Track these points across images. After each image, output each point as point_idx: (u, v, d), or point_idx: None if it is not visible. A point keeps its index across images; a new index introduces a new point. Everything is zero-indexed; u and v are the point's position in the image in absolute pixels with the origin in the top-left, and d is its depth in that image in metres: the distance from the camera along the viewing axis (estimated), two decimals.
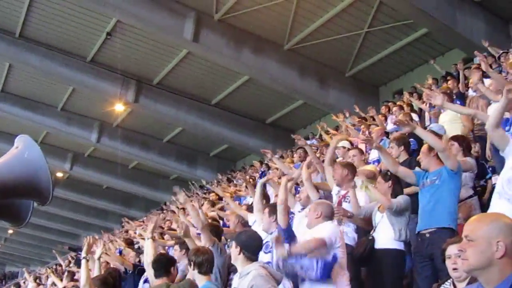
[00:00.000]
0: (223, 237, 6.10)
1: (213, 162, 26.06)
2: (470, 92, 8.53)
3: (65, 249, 15.12)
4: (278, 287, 3.86)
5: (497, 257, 1.99)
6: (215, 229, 5.97)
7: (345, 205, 5.47)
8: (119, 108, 21.15)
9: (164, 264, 4.94)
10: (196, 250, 4.46)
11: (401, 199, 4.95)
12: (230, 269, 5.54)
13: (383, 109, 11.75)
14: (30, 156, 2.01)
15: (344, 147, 7.81)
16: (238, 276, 3.88)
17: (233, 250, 3.98)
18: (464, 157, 5.35)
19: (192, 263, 4.28)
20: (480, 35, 13.38)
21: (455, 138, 5.77)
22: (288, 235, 4.81)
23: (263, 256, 4.44)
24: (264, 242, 4.70)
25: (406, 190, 5.31)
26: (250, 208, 7.16)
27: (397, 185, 5.18)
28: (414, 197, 5.04)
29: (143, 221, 15.30)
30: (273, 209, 5.07)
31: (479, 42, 11.31)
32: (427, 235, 4.46)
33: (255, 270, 3.75)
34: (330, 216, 4.63)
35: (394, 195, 5.08)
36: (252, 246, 4.01)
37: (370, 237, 4.99)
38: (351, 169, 5.72)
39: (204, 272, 4.29)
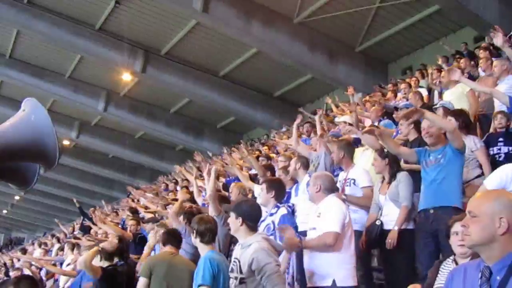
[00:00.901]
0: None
1: (220, 134, 26.07)
2: (481, 73, 8.43)
3: (77, 205, 15.22)
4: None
5: (499, 233, 2.01)
6: (224, 200, 6.00)
7: (348, 190, 5.44)
8: (127, 77, 21.15)
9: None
10: (200, 218, 4.43)
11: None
12: (232, 240, 5.57)
13: (390, 87, 11.67)
14: (36, 119, 2.00)
15: (345, 122, 7.77)
16: (240, 246, 3.83)
17: (234, 221, 3.92)
18: (462, 133, 5.32)
19: (194, 232, 4.29)
20: (492, 13, 13.22)
21: (452, 113, 5.72)
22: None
23: None
24: (265, 224, 4.70)
25: (404, 166, 5.28)
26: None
27: (394, 163, 5.14)
28: (415, 175, 5.03)
29: (148, 189, 15.36)
30: (271, 185, 4.95)
31: (491, 20, 11.19)
32: (431, 211, 4.44)
33: (257, 242, 3.72)
34: (330, 188, 4.49)
35: (392, 172, 5.06)
36: (253, 216, 3.97)
37: (378, 222, 4.97)
38: (347, 149, 5.67)
39: (207, 241, 4.29)
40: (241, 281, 3.69)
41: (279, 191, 4.96)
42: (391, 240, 4.69)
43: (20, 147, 1.96)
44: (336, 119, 9.29)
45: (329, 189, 4.45)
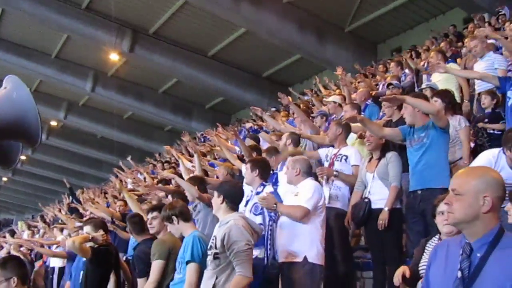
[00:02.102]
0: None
1: (208, 114, 25.99)
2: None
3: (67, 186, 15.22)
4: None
5: (483, 212, 2.03)
6: (201, 183, 5.93)
7: (337, 164, 5.48)
8: (114, 57, 20.97)
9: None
10: (170, 203, 4.54)
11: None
12: None
13: (380, 68, 11.65)
14: (18, 96, 1.96)
15: (334, 102, 7.77)
16: (218, 225, 3.94)
17: (215, 200, 4.04)
18: (449, 114, 5.35)
19: (174, 216, 4.32)
20: None
21: (437, 94, 5.74)
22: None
23: (255, 218, 4.44)
24: (252, 203, 4.73)
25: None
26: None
27: (388, 141, 5.15)
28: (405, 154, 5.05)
29: (135, 170, 15.29)
30: (255, 164, 4.99)
31: (480, 1, 11.15)
32: (419, 192, 4.48)
33: (233, 220, 3.82)
34: (308, 172, 4.69)
35: (383, 151, 5.07)
36: (234, 196, 4.08)
37: (366, 200, 5.00)
38: (346, 128, 5.71)
39: (187, 219, 4.38)
40: (215, 256, 3.77)
41: (263, 170, 4.97)
42: (382, 221, 4.73)
43: (1, 125, 1.93)
44: (325, 99, 9.28)
45: (307, 173, 4.67)
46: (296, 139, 6.11)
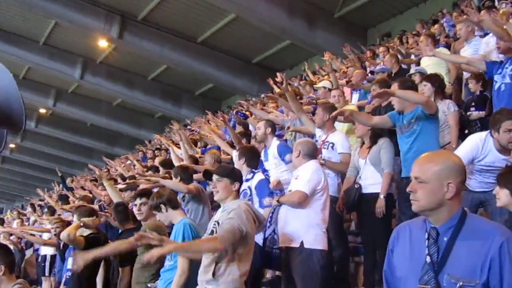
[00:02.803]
0: None
1: (198, 101, 25.90)
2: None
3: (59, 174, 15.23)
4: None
5: (447, 198, 2.04)
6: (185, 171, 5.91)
7: (324, 152, 5.46)
8: (103, 44, 20.80)
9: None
10: (156, 192, 4.50)
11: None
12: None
13: (368, 53, 11.63)
14: (1, 82, 1.93)
15: (324, 88, 7.76)
16: (221, 209, 3.82)
17: (237, 162, 4.13)
18: (438, 98, 5.38)
19: (162, 205, 4.29)
20: None
21: (427, 78, 5.77)
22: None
23: None
24: (241, 190, 4.72)
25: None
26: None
27: (376, 128, 5.14)
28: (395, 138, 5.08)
29: (126, 158, 15.27)
30: (243, 152, 5.05)
31: None
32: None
33: (239, 207, 3.71)
34: (310, 154, 4.63)
35: (373, 137, 5.08)
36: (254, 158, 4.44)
37: (357, 185, 5.03)
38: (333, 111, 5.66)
39: (176, 206, 4.35)
40: None
41: (250, 157, 5.03)
42: (380, 208, 4.78)
43: None
44: (315, 85, 9.27)
45: (309, 155, 4.61)
46: (273, 126, 6.10)
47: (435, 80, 5.67)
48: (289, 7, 16.78)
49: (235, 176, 3.92)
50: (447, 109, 5.52)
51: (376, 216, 4.82)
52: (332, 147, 5.47)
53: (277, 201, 4.41)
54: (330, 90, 7.50)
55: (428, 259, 2.04)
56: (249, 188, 4.82)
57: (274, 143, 5.75)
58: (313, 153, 4.67)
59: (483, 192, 4.24)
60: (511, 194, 3.35)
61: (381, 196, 4.82)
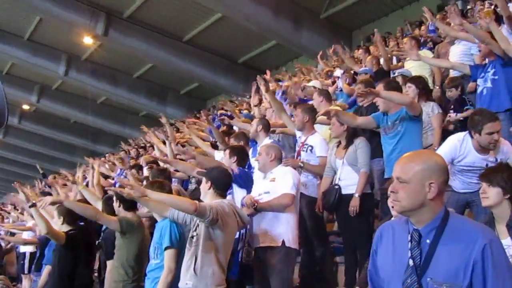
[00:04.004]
0: None
1: (184, 100, 25.85)
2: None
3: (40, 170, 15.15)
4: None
5: (429, 198, 2.01)
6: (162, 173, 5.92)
7: (303, 154, 5.49)
8: (88, 41, 20.64)
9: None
10: (159, 183, 4.52)
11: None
12: None
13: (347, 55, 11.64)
14: None
15: (314, 87, 7.78)
16: None
17: (204, 186, 4.08)
18: (422, 100, 5.44)
19: None
20: None
21: (411, 80, 5.83)
22: (243, 180, 4.94)
23: None
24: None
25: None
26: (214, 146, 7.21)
27: (352, 128, 5.17)
28: (371, 140, 5.14)
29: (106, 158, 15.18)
30: (234, 151, 5.13)
31: None
32: None
33: (223, 201, 3.90)
34: (280, 158, 4.80)
35: (349, 137, 5.12)
36: (222, 182, 4.12)
37: (336, 186, 5.05)
38: (312, 114, 5.65)
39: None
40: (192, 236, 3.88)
41: (241, 156, 5.14)
42: (353, 207, 4.80)
43: None
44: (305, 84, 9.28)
45: (280, 159, 4.77)
46: (266, 124, 6.11)
47: (419, 82, 5.74)
48: (275, 7, 16.82)
49: (208, 175, 4.16)
50: (431, 111, 5.59)
51: (356, 217, 4.84)
52: (311, 150, 5.49)
53: (255, 209, 4.36)
54: (319, 89, 7.51)
55: (411, 262, 2.02)
56: None
57: (266, 141, 5.77)
58: (281, 157, 4.82)
59: (468, 193, 4.27)
60: (503, 192, 3.36)
61: (356, 195, 4.84)
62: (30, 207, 5.47)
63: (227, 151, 5.24)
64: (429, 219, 2.03)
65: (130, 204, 4.75)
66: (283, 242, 4.34)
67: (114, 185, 8.31)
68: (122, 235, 4.67)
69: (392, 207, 3.31)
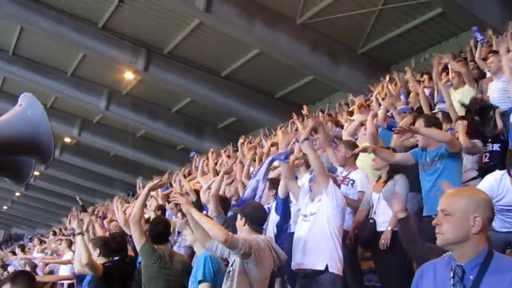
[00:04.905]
0: None
1: (221, 134, 26.02)
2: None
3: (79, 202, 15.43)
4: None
5: (473, 232, 2.01)
6: (224, 201, 6.01)
7: (343, 187, 5.41)
8: (129, 76, 21.16)
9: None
10: None
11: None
12: None
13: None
14: (32, 114, 2.01)
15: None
16: None
17: (239, 222, 4.08)
18: (470, 138, 5.32)
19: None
20: (495, 17, 13.21)
21: (462, 118, 5.74)
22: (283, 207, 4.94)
23: None
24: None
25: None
26: None
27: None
28: (415, 174, 5.05)
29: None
30: (273, 183, 5.18)
31: (493, 24, 11.17)
32: (434, 216, 4.40)
33: (259, 237, 3.89)
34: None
35: (391, 172, 5.06)
36: (256, 218, 4.08)
37: (371, 220, 4.98)
38: (355, 148, 5.63)
39: None
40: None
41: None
42: (384, 240, 4.70)
43: (15, 141, 1.98)
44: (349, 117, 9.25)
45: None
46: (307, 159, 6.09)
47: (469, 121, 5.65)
48: (312, 42, 16.95)
49: (243, 212, 4.15)
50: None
51: (392, 254, 4.73)
52: (352, 184, 5.46)
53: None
54: (362, 124, 7.47)
55: None
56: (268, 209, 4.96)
57: (306, 176, 5.73)
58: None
59: (509, 232, 4.17)
60: None
61: (388, 228, 4.74)
62: (78, 234, 5.54)
63: (267, 183, 5.31)
64: (472, 254, 2.02)
65: (162, 237, 4.80)
66: (327, 266, 4.18)
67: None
68: (156, 266, 4.68)
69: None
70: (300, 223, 4.51)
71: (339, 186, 5.39)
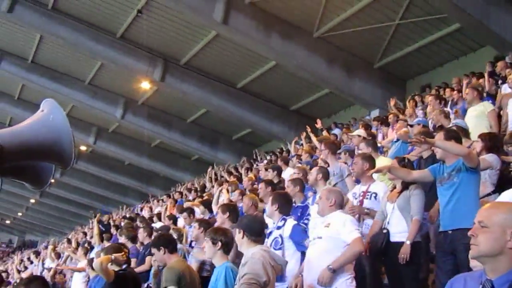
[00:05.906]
0: None
1: (236, 145, 26.08)
2: (508, 90, 8.28)
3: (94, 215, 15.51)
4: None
5: (508, 247, 1.96)
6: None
7: (367, 202, 5.36)
8: (145, 86, 21.34)
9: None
10: (223, 230, 4.47)
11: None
12: None
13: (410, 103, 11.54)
14: (54, 119, 2.04)
15: (359, 136, 7.75)
16: (242, 263, 3.82)
17: (237, 236, 4.03)
18: (488, 153, 5.29)
19: (219, 242, 4.27)
20: None
21: (481, 136, 5.70)
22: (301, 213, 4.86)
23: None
24: (273, 238, 4.76)
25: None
26: None
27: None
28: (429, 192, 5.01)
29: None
30: (276, 198, 5.03)
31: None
32: (450, 232, 4.35)
33: (252, 253, 3.75)
34: (342, 205, 4.61)
35: (406, 183, 5.01)
36: (253, 228, 4.03)
37: (385, 230, 4.92)
38: (371, 162, 5.60)
39: (227, 251, 4.33)
40: None
41: (283, 204, 5.02)
42: (404, 255, 4.64)
43: (37, 146, 2.00)
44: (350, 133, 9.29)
45: (340, 205, 4.58)
46: (326, 173, 6.06)
47: (488, 138, 5.62)
48: (329, 56, 16.97)
49: (240, 224, 4.12)
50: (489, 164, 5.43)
51: (404, 265, 4.67)
52: (375, 197, 5.37)
53: (333, 271, 4.11)
54: (365, 138, 7.47)
55: None
56: (281, 236, 4.76)
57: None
58: (342, 203, 4.66)
59: None
60: None
61: (407, 242, 4.65)
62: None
63: (271, 197, 5.13)
64: (505, 269, 1.97)
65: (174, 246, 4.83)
66: None
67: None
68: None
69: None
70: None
71: (361, 202, 5.36)
